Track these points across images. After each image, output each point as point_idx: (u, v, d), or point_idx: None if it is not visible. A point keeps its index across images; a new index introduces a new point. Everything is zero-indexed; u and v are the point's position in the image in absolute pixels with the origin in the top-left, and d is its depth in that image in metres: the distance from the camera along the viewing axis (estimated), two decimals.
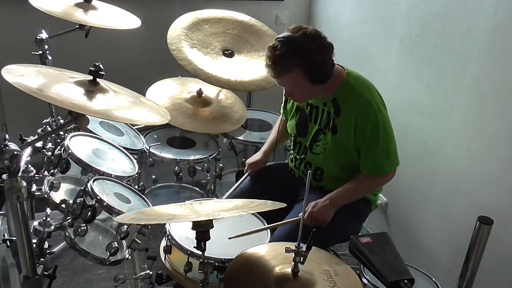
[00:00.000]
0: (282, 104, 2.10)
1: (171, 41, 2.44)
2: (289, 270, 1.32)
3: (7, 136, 1.37)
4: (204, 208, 1.50)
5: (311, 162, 1.96)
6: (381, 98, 1.85)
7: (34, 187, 1.90)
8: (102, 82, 1.61)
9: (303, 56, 1.69)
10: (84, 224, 1.59)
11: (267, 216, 1.75)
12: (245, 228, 1.74)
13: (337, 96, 1.83)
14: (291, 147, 2.06)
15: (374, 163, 1.83)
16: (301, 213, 1.76)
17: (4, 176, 1.24)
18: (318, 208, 1.80)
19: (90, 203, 1.61)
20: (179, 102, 2.44)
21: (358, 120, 1.78)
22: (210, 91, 2.55)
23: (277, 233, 1.80)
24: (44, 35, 2.24)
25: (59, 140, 2.14)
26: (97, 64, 1.57)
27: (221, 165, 2.41)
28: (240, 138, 2.46)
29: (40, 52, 2.24)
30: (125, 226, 1.60)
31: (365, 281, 1.64)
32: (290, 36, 1.70)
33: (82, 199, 1.63)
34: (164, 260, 1.67)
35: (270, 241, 1.67)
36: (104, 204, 1.61)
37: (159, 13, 2.84)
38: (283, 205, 1.45)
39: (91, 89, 1.56)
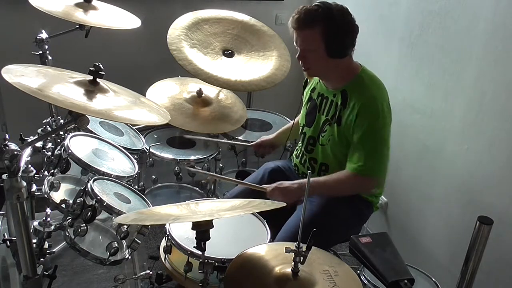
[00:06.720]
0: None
1: (171, 41, 2.44)
2: (289, 270, 1.32)
3: (7, 136, 1.37)
4: (202, 209, 1.50)
5: (316, 158, 1.96)
6: (389, 104, 1.84)
7: (34, 187, 1.90)
8: (102, 82, 1.61)
9: (329, 20, 1.76)
10: (84, 224, 1.59)
11: (268, 217, 1.75)
12: (245, 228, 1.74)
13: (347, 88, 1.84)
14: (300, 139, 2.06)
15: (360, 161, 1.79)
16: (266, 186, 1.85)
17: (4, 176, 1.24)
18: (283, 187, 1.83)
19: (90, 203, 1.61)
20: (179, 102, 2.44)
21: (359, 113, 1.78)
22: (210, 91, 2.55)
23: (280, 235, 1.80)
24: (44, 35, 2.24)
25: (59, 140, 2.13)
26: (97, 64, 1.57)
27: (221, 165, 2.41)
28: (240, 138, 2.46)
29: (40, 52, 2.24)
30: (125, 226, 1.60)
31: (365, 281, 1.64)
32: (326, 2, 1.80)
33: (82, 199, 1.63)
34: (164, 260, 1.67)
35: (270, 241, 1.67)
36: (104, 204, 1.60)
37: (159, 13, 2.84)
38: (283, 204, 1.45)
39: (91, 89, 1.56)
